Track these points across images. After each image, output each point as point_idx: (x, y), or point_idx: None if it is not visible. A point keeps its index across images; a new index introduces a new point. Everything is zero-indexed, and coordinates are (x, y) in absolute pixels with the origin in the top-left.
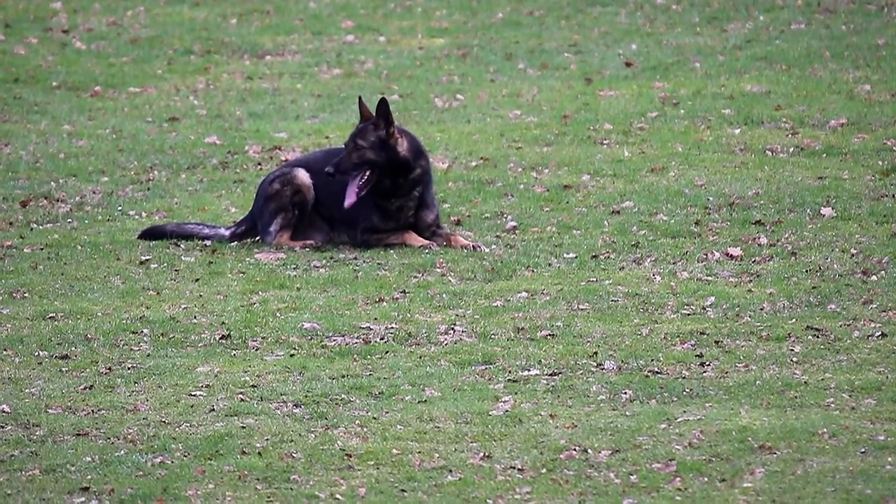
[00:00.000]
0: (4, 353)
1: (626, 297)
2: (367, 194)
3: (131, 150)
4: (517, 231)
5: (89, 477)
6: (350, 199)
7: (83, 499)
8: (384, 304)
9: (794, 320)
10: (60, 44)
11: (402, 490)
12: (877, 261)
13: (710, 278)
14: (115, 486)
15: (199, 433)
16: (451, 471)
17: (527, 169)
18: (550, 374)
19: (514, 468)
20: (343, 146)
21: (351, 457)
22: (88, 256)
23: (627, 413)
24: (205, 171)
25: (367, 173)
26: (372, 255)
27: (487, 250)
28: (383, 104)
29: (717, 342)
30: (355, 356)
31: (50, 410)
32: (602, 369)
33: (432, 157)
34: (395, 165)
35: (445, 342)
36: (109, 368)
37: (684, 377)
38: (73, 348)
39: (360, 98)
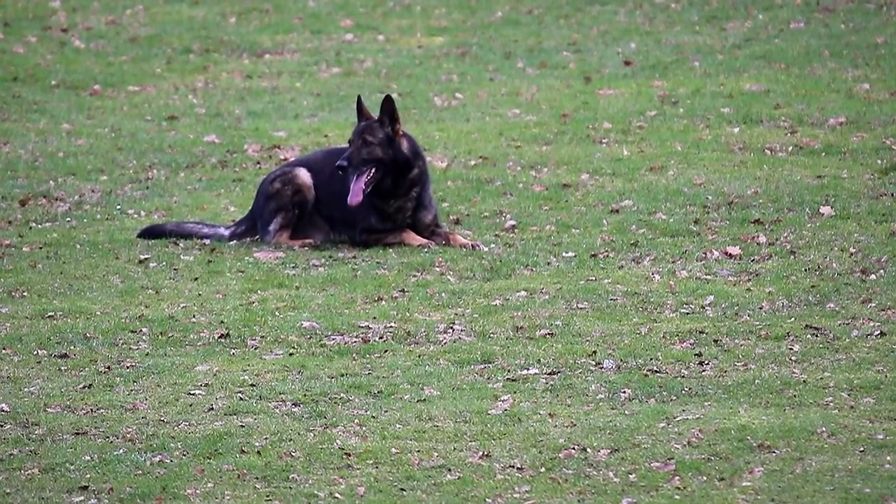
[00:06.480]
0: (3, 351)
1: (625, 296)
2: (367, 195)
3: (130, 148)
4: (516, 230)
5: (88, 476)
6: (357, 196)
7: (82, 497)
8: (383, 302)
9: (792, 319)
10: (59, 42)
11: (402, 489)
12: (876, 260)
13: (709, 277)
14: (114, 484)
15: (198, 432)
16: (450, 470)
17: (526, 168)
18: (549, 373)
19: (513, 467)
20: (345, 145)
21: (350, 456)
22: (87, 255)
23: (626, 412)
24: (204, 169)
25: (372, 171)
26: (371, 254)
27: (486, 249)
28: (389, 102)
29: (715, 341)
30: (354, 355)
31: (49, 409)
32: (601, 368)
33: (431, 156)
34: (398, 164)
35: (444, 341)
36: (108, 367)
37: (683, 376)
38: (72, 347)
39: (359, 97)
